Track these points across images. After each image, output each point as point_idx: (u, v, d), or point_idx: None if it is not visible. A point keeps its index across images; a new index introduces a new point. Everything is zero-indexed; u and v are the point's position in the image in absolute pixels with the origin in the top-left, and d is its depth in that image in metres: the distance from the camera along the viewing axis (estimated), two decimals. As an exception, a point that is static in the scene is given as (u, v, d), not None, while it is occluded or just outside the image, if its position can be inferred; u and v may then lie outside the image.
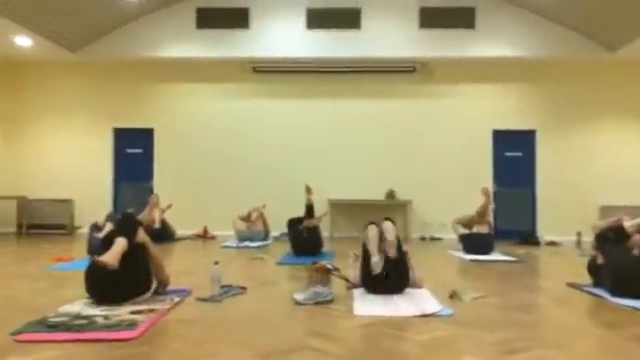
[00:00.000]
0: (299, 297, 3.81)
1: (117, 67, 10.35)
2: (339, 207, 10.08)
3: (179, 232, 9.29)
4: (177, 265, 5.79)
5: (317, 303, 3.76)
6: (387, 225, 4.17)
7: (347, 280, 4.26)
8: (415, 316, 3.45)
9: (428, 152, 10.13)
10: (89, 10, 8.96)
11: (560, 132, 10.06)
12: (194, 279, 4.83)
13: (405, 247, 4.37)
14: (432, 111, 10.15)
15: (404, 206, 9.98)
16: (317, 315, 3.47)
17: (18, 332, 2.93)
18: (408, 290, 4.17)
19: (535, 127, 10.09)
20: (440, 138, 10.13)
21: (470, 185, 9.85)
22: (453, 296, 4.07)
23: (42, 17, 8.51)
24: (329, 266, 4.02)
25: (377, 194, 10.03)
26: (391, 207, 10.04)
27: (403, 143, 10.15)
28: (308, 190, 7.60)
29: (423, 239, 9.57)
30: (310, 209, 7.32)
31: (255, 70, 10.15)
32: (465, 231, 7.32)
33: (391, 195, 9.90)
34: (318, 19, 9.77)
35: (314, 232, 6.97)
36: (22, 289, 4.33)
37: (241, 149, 10.27)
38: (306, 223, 7.03)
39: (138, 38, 9.86)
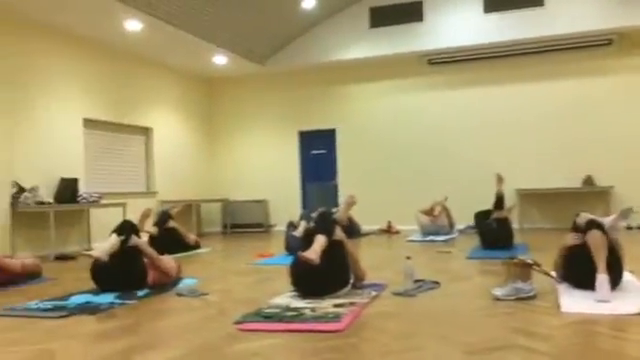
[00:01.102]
0: (498, 292, 3.68)
1: (299, 74, 10.99)
2: (528, 197, 9.51)
3: (364, 227, 9.55)
4: (367, 260, 5.96)
5: (518, 299, 3.59)
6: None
7: (549, 275, 4.00)
8: (633, 314, 3.11)
9: (632, 131, 9.06)
10: (273, 24, 9.65)
11: None
12: (385, 273, 4.93)
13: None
14: (634, 86, 9.06)
15: (605, 193, 9.06)
16: (520, 312, 3.32)
17: (239, 322, 3.27)
18: (621, 286, 3.77)
19: None
20: (645, 115, 9.01)
21: (687, 166, 8.61)
22: (679, 293, 3.59)
23: (235, 37, 9.38)
24: (529, 261, 3.81)
25: (572, 181, 9.26)
26: (589, 195, 9.19)
27: (601, 124, 9.22)
28: (499, 180, 7.24)
29: (630, 228, 8.59)
30: (500, 199, 6.99)
31: (430, 62, 10.03)
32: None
33: (589, 181, 9.06)
34: (496, 1, 9.31)
35: (504, 224, 6.65)
36: (235, 283, 4.83)
37: (421, 142, 10.22)
38: (496, 214, 6.74)
39: (316, 44, 10.36)
